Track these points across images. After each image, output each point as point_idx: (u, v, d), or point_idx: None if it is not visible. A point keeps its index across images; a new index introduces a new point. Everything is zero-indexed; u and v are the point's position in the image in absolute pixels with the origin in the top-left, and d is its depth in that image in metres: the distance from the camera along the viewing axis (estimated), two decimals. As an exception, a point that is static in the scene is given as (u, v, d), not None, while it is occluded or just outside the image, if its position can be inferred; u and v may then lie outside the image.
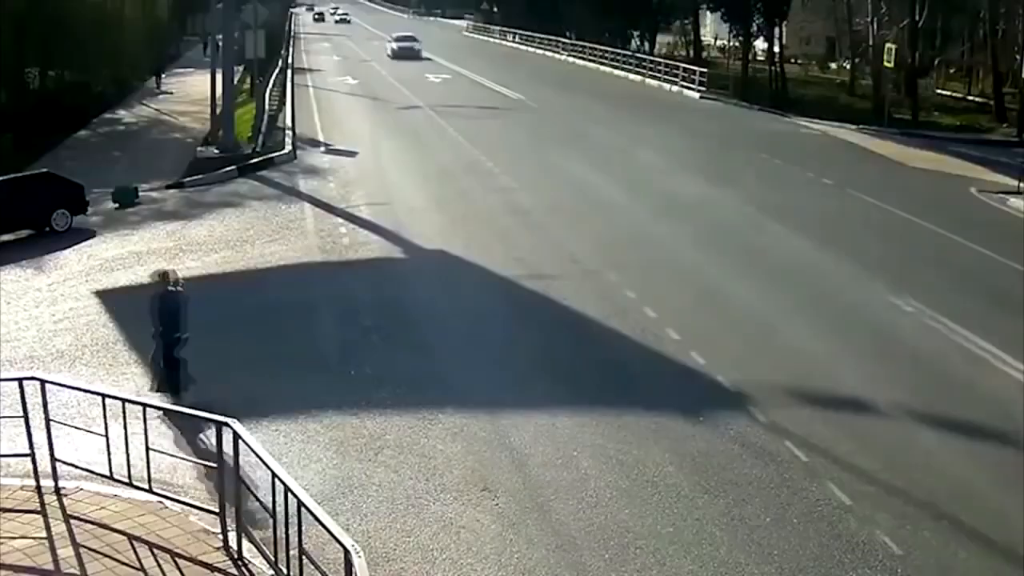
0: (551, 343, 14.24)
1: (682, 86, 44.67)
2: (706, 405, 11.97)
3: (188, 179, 27.39)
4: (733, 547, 9.10)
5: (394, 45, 61.57)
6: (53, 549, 8.79)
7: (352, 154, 29.34)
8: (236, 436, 8.46)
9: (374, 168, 27.43)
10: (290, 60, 53.88)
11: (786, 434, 11.23)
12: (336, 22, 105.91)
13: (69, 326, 15.31)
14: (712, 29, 68.95)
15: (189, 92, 48.42)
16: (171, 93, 51.27)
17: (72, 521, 9.25)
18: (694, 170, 26.36)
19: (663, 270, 17.68)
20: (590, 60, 56.19)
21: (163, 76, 53.59)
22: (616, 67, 52.61)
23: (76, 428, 10.63)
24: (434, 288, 17.00)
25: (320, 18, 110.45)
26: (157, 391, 12.16)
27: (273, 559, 8.24)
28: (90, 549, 8.75)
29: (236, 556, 8.64)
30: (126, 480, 9.53)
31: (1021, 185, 24.80)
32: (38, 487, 9.77)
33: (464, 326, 15.01)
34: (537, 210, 21.85)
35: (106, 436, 9.43)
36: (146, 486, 9.42)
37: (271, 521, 8.07)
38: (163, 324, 12.13)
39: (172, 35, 71.24)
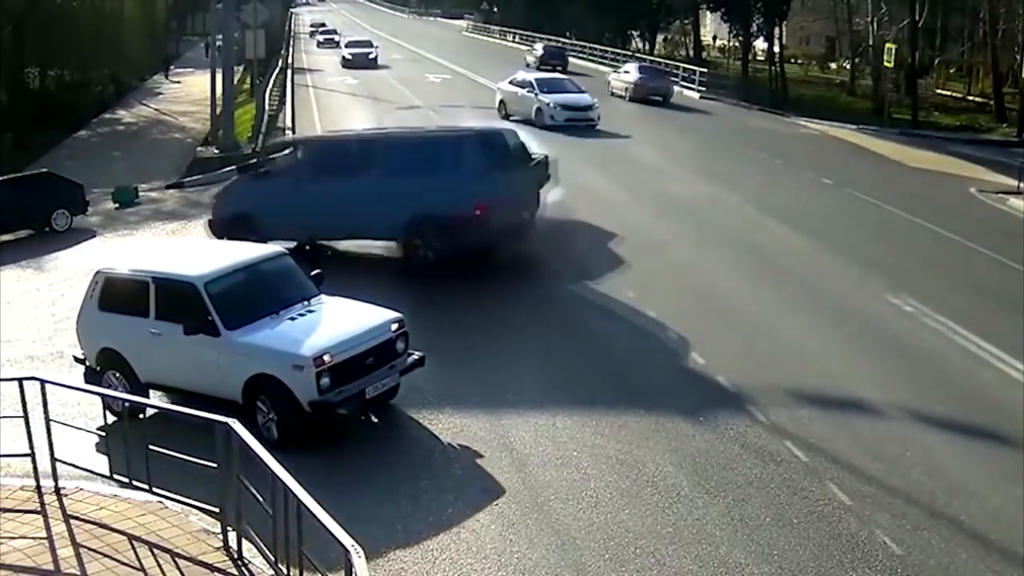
0: (551, 344, 14.23)
1: (682, 86, 44.65)
2: (706, 405, 11.96)
3: (188, 179, 27.43)
4: (733, 547, 9.10)
5: (556, 113, 31.86)
6: (53, 549, 8.78)
7: (352, 154, 29.24)
8: (236, 436, 8.45)
9: (374, 168, 27.33)
10: (290, 60, 53.86)
11: (786, 434, 11.23)
12: (345, 61, 54.53)
13: (69, 326, 15.25)
14: (712, 29, 69.07)
15: (189, 92, 48.51)
16: (179, 83, 51.62)
17: (72, 521, 9.25)
18: (694, 170, 26.34)
19: (663, 270, 17.67)
20: (590, 60, 56.14)
21: (171, 68, 54.69)
22: (616, 67, 52.53)
23: (76, 428, 10.64)
24: (434, 288, 16.97)
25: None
26: None
27: (273, 559, 8.24)
28: (90, 549, 8.75)
29: (236, 556, 8.63)
30: (126, 480, 9.52)
31: (1021, 185, 24.80)
32: (38, 487, 9.77)
33: (464, 326, 14.99)
34: (537, 210, 21.77)
35: (106, 436, 9.42)
36: (146, 486, 9.41)
37: (271, 521, 8.06)
38: None
39: (172, 35, 71.35)
